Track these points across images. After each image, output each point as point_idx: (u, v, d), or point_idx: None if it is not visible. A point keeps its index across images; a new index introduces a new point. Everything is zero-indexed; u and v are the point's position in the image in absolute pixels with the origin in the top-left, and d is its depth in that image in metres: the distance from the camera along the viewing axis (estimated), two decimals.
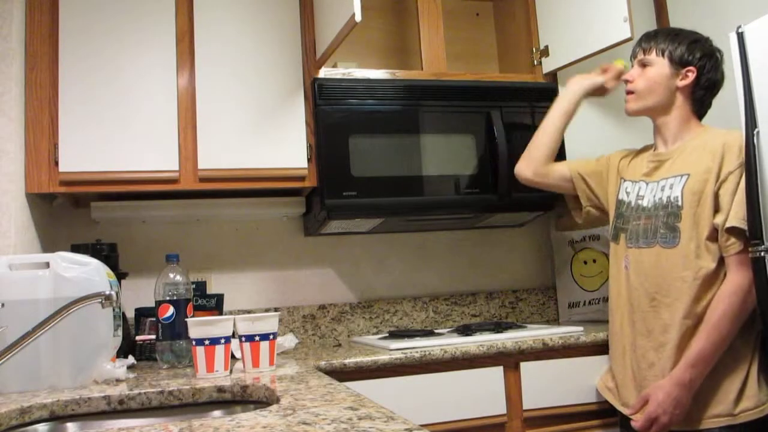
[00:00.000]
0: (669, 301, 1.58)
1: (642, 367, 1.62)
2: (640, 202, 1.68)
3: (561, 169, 1.92)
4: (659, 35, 1.70)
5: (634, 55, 1.75)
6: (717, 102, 1.75)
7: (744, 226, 1.46)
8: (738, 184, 1.51)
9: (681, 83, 1.66)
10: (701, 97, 1.68)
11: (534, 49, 2.32)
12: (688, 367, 1.50)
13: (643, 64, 1.70)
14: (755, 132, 1.57)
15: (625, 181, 1.78)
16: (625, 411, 1.68)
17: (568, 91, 1.93)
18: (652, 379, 1.59)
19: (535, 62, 2.31)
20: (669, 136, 1.69)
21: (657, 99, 1.68)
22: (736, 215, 1.49)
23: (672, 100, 1.67)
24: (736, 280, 1.49)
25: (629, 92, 1.72)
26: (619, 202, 1.77)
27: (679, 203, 1.57)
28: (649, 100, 1.68)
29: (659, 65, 1.67)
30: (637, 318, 1.66)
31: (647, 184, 1.69)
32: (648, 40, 1.71)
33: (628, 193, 1.75)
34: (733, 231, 1.49)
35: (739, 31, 1.66)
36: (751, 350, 1.52)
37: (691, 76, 1.65)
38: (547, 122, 1.93)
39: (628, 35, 1.92)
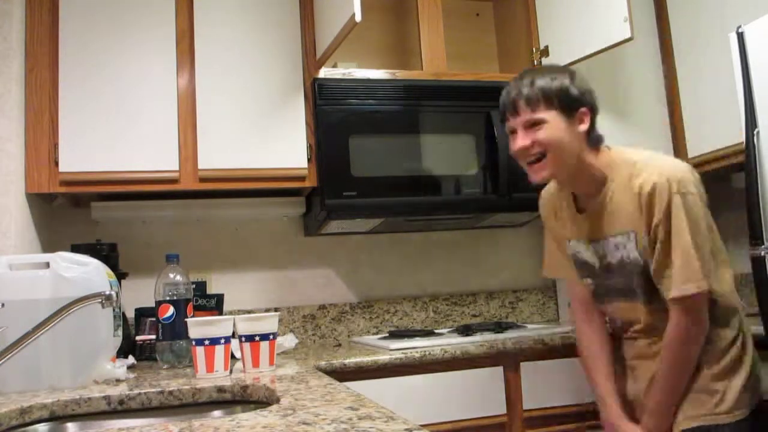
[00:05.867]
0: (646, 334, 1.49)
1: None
2: (607, 260, 1.49)
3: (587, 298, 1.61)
4: (535, 83, 1.38)
5: (511, 113, 1.41)
6: (716, 101, 1.75)
7: (688, 291, 1.32)
8: (669, 234, 1.33)
9: (581, 129, 1.40)
10: (596, 133, 1.44)
11: (534, 49, 2.32)
12: (649, 417, 1.44)
13: (533, 123, 1.38)
14: (755, 132, 1.57)
15: (570, 241, 1.57)
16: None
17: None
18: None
19: (535, 62, 2.31)
20: (591, 188, 1.46)
21: (569, 157, 1.39)
22: (675, 283, 1.34)
23: (579, 152, 1.41)
24: (676, 327, 1.37)
25: (535, 156, 1.39)
26: (578, 261, 1.57)
27: (641, 263, 1.41)
28: (562, 160, 1.39)
29: (554, 120, 1.37)
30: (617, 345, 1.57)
31: (598, 242, 1.49)
32: (527, 88, 1.38)
33: (580, 252, 1.55)
34: (676, 299, 1.35)
35: (739, 31, 1.66)
36: (732, 353, 1.43)
37: (587, 118, 1.41)
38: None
39: (628, 35, 1.92)
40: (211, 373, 1.44)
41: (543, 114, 1.36)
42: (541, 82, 1.37)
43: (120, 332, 1.58)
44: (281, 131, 2.06)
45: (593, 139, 1.43)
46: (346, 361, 1.70)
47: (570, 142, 1.38)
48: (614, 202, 1.42)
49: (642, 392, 1.51)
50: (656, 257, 1.36)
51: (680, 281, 1.33)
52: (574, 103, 1.38)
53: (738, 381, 1.40)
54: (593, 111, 1.42)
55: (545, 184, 1.64)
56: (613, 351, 1.57)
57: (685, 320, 1.36)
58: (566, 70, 1.44)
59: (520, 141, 1.39)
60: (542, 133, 1.37)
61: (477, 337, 1.92)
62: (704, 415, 1.39)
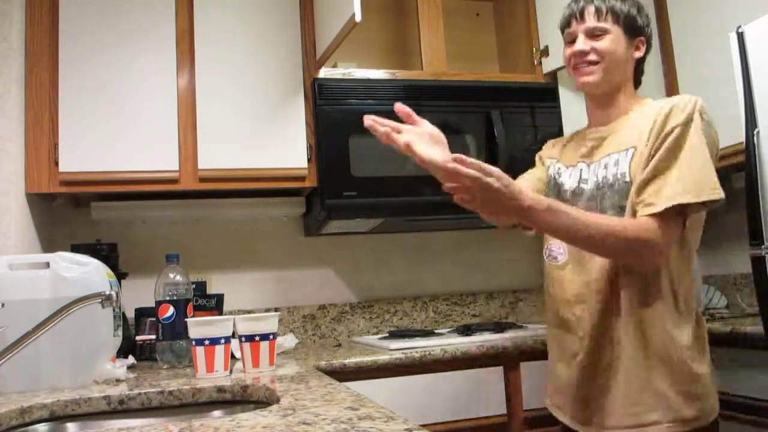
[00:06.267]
0: (603, 297, 1.34)
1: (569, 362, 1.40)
2: (583, 186, 1.42)
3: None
4: None
5: (576, 17, 1.43)
6: (716, 101, 1.75)
7: (691, 198, 1.22)
8: (679, 141, 1.26)
9: (636, 54, 1.43)
10: (643, 67, 1.48)
11: (534, 49, 2.32)
12: (549, 210, 1.21)
13: (595, 33, 1.40)
14: (755, 132, 1.57)
15: (558, 162, 1.52)
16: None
17: None
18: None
19: (535, 62, 2.31)
20: (614, 114, 1.44)
21: (619, 73, 1.41)
22: (674, 191, 1.23)
23: (628, 75, 1.44)
24: (643, 225, 1.23)
25: (589, 63, 1.40)
26: (553, 182, 1.50)
27: (627, 179, 1.32)
28: (613, 73, 1.40)
29: (616, 34, 1.39)
30: (566, 312, 1.41)
31: (588, 165, 1.43)
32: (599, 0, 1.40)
33: (560, 175, 1.49)
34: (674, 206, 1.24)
35: (739, 31, 1.66)
36: (700, 355, 1.34)
37: (642, 48, 1.43)
38: None
39: None
40: (211, 373, 1.44)
41: (609, 25, 1.39)
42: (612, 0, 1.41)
43: (120, 332, 1.58)
44: (281, 131, 2.06)
45: (639, 72, 1.46)
46: (346, 361, 1.70)
47: (624, 60, 1.40)
48: (627, 126, 1.39)
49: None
50: (654, 163, 1.26)
51: (678, 189, 1.22)
52: (637, 28, 1.41)
53: (699, 388, 1.30)
54: (649, 45, 1.45)
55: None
56: None
57: (653, 230, 1.22)
58: (636, 0, 1.45)
59: (580, 44, 1.41)
60: (603, 43, 1.39)
61: (477, 337, 1.92)
62: (669, 422, 1.27)
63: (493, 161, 2.09)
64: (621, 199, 1.32)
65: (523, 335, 1.92)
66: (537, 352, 1.86)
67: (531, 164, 2.17)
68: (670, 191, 1.23)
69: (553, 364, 1.49)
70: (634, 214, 1.29)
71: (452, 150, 1.15)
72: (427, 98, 2.12)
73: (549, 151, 1.60)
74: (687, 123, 1.27)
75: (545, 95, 2.23)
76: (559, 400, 1.46)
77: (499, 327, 2.06)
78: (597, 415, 1.35)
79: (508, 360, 1.85)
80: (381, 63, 2.47)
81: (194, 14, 2.02)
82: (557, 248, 1.45)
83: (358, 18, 1.65)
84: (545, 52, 2.28)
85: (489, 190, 1.18)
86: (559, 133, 2.22)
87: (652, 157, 1.28)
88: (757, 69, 1.61)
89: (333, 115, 2.02)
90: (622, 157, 1.35)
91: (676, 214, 1.24)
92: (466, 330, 2.05)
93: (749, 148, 1.59)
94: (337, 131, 2.02)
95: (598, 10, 1.40)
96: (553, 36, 2.27)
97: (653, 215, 1.23)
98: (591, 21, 1.40)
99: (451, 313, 2.48)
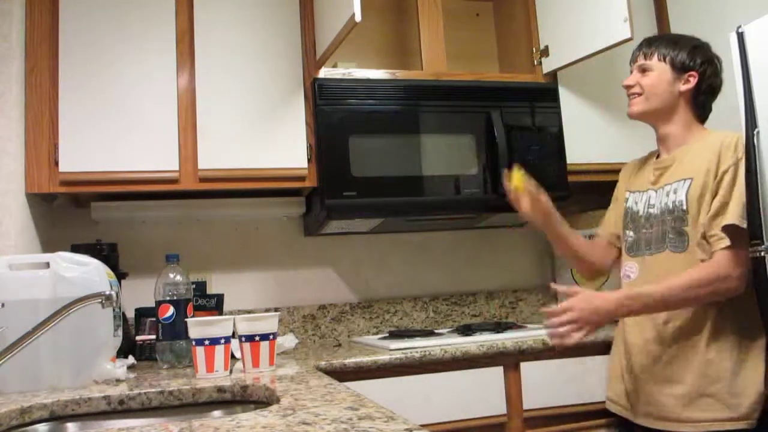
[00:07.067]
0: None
1: (644, 367, 1.61)
2: (651, 210, 1.66)
3: (603, 244, 1.82)
4: (660, 41, 1.70)
5: (633, 60, 1.73)
6: (717, 102, 1.75)
7: (743, 224, 1.45)
8: (734, 180, 1.51)
9: (683, 88, 1.65)
10: (703, 102, 1.68)
11: (534, 49, 2.32)
12: (628, 296, 1.51)
13: (643, 69, 1.68)
14: (755, 132, 1.57)
15: (632, 192, 1.76)
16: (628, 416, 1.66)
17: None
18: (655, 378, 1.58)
19: (535, 62, 2.31)
20: (672, 143, 1.68)
21: (660, 102, 1.66)
22: (733, 213, 1.48)
23: (674, 105, 1.66)
24: (715, 264, 1.48)
25: (635, 95, 1.70)
26: (630, 212, 1.73)
27: (684, 207, 1.56)
28: (653, 102, 1.66)
29: (660, 70, 1.65)
30: (637, 321, 1.63)
31: (655, 191, 1.67)
32: (649, 45, 1.70)
33: (636, 203, 1.72)
34: (728, 228, 1.48)
35: (739, 31, 1.66)
36: (750, 350, 1.50)
37: (693, 80, 1.64)
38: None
39: (628, 35, 1.92)
40: (211, 373, 1.45)
41: (653, 63, 1.66)
42: (663, 41, 1.68)
43: (120, 332, 1.58)
44: (281, 131, 2.06)
45: (699, 104, 1.66)
46: (346, 361, 1.70)
47: (666, 93, 1.65)
48: (689, 156, 1.61)
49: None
50: (719, 197, 1.51)
51: (739, 215, 1.45)
52: (684, 65, 1.64)
53: (757, 384, 1.45)
54: (703, 77, 1.65)
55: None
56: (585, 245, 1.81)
57: (725, 263, 1.46)
58: (694, 41, 1.68)
59: (628, 79, 1.71)
60: (645, 79, 1.67)
61: (477, 337, 1.92)
62: (721, 420, 1.44)
63: (493, 161, 2.11)
64: (680, 224, 1.57)
65: (523, 335, 1.92)
66: (537, 352, 1.86)
67: (532, 165, 2.20)
68: (732, 223, 1.46)
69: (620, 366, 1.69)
70: (704, 241, 1.53)
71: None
72: (427, 98, 2.12)
73: (626, 180, 1.82)
74: (737, 162, 1.52)
75: (545, 95, 2.23)
76: (620, 399, 1.67)
77: (499, 327, 2.06)
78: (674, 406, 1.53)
79: (508, 360, 1.85)
80: (381, 63, 2.47)
81: (194, 14, 2.02)
82: (630, 268, 1.68)
83: (358, 18, 1.65)
84: (545, 52, 2.28)
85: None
86: (559, 133, 2.22)
87: (716, 194, 1.52)
88: (757, 69, 1.61)
89: (333, 115, 2.02)
90: (680, 186, 1.59)
91: (742, 239, 1.45)
92: (466, 330, 2.05)
93: (749, 148, 1.58)
94: (337, 131, 2.02)
95: (645, 54, 1.69)
96: (553, 36, 2.27)
97: (725, 248, 1.47)
98: (640, 60, 1.70)
99: (451, 313, 2.48)
